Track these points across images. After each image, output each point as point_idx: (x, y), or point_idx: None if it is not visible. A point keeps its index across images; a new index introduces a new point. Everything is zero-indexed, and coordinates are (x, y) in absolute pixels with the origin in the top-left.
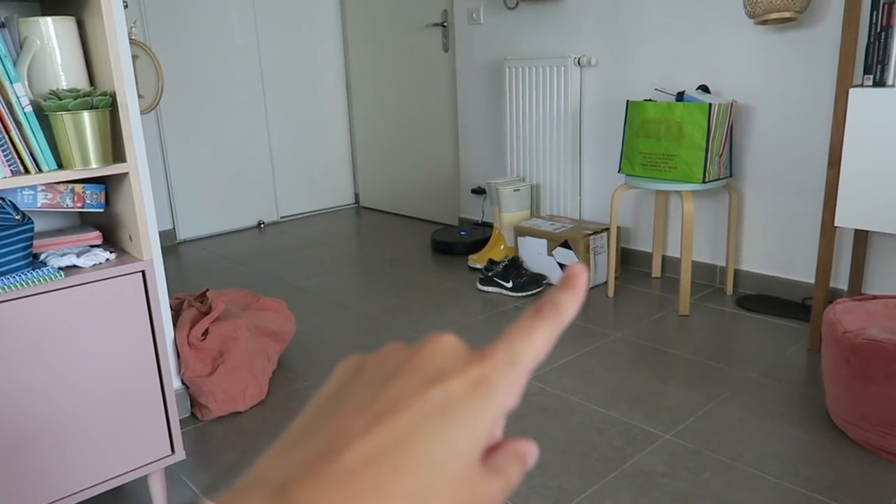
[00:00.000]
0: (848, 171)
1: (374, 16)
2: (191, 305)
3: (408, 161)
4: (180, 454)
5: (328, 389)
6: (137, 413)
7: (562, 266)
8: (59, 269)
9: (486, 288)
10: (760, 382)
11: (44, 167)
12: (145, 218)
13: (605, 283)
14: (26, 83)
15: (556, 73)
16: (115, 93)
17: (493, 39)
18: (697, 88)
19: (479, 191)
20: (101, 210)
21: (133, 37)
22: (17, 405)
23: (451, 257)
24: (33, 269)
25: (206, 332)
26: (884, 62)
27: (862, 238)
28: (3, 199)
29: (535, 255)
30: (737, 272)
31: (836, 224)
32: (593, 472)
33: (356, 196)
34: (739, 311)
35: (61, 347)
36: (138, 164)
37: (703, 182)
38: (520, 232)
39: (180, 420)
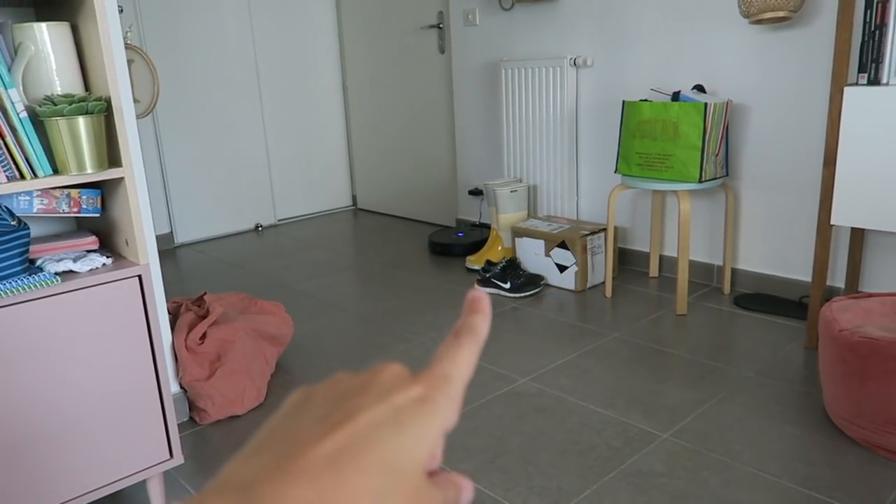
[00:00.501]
0: (843, 170)
1: (369, 18)
2: (188, 309)
3: (405, 163)
4: (178, 458)
5: (283, 411)
6: (135, 417)
7: (559, 267)
8: (56, 274)
9: (483, 289)
10: (758, 381)
11: (39, 173)
12: (141, 222)
13: (603, 283)
14: (21, 89)
15: (552, 73)
16: (110, 98)
17: (489, 41)
18: (693, 88)
19: (476, 192)
20: (98, 215)
21: (128, 41)
22: (14, 410)
23: (448, 259)
24: (30, 275)
25: (203, 336)
26: (878, 60)
27: (858, 236)
28: None
29: (532, 255)
30: (734, 271)
31: (832, 222)
32: (591, 473)
33: (353, 198)
34: (737, 309)
35: (58, 352)
36: (134, 168)
37: (700, 182)
38: (517, 233)
39: (178, 424)
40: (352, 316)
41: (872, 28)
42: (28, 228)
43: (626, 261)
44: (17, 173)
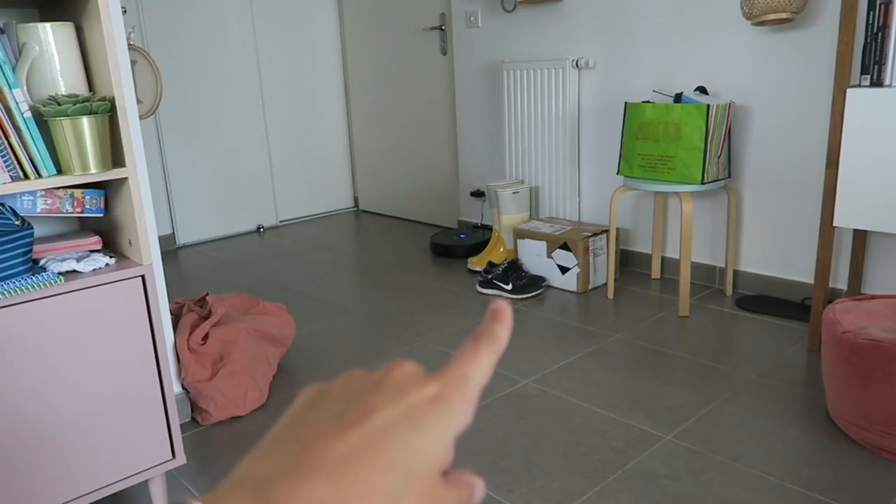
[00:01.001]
0: (846, 171)
1: (372, 20)
2: (191, 310)
3: (407, 164)
4: (181, 459)
5: (296, 408)
6: (138, 418)
7: (561, 268)
8: (59, 274)
9: (485, 290)
10: (760, 383)
11: (43, 173)
12: (145, 223)
13: (605, 284)
14: (25, 89)
15: (554, 75)
16: (114, 98)
17: (491, 42)
18: (695, 90)
19: (478, 193)
20: (101, 215)
21: (131, 42)
22: (17, 410)
23: (450, 260)
24: (33, 275)
25: (206, 337)
26: (881, 62)
27: (861, 238)
28: (2, 204)
29: (534, 257)
30: (736, 273)
31: (834, 224)
32: (594, 474)
33: (355, 200)
34: (739, 311)
35: (61, 353)
36: (137, 169)
37: (702, 183)
38: (519, 234)
39: (181, 425)
40: (353, 317)
41: (875, 30)
42: (32, 228)
43: (628, 262)
44: (21, 173)
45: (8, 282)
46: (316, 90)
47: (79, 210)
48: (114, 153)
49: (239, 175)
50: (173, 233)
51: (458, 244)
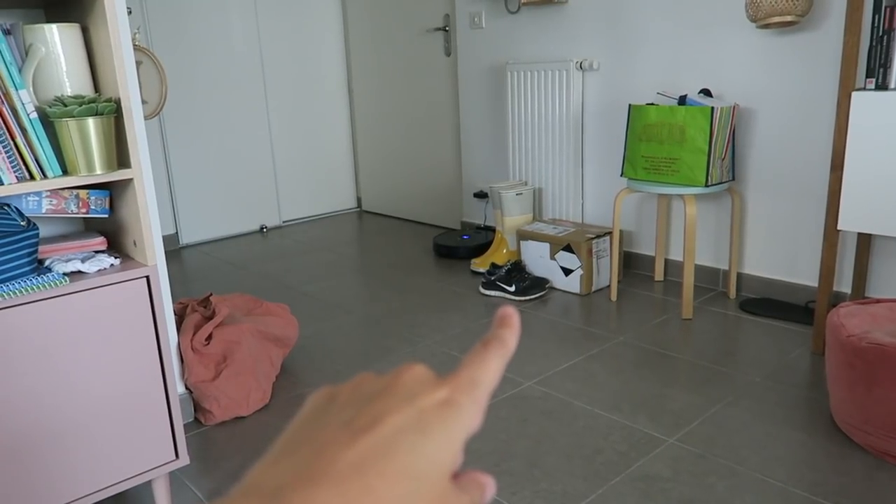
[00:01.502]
0: (850, 175)
1: (375, 20)
2: (194, 310)
3: (410, 165)
4: (184, 459)
5: (307, 412)
6: (141, 418)
7: (564, 270)
8: (64, 274)
9: (488, 292)
10: (764, 386)
11: (49, 173)
12: (149, 223)
13: (608, 286)
14: (31, 90)
15: (558, 76)
16: (119, 99)
17: (495, 43)
18: (699, 92)
19: (481, 194)
20: (106, 216)
21: (137, 43)
22: (21, 410)
23: (453, 261)
24: (38, 275)
25: (209, 337)
26: (886, 65)
27: (865, 241)
28: (8, 205)
29: (537, 258)
30: (740, 275)
31: (838, 227)
32: (597, 477)
33: (358, 200)
34: (742, 314)
35: (66, 353)
36: (143, 169)
37: (706, 185)
38: (522, 236)
39: (184, 425)
40: (356, 318)
41: (880, 33)
42: (37, 229)
43: (632, 264)
44: (26, 174)
45: (13, 282)
46: (319, 91)
47: (84, 211)
48: (119, 154)
49: (242, 175)
50: (177, 233)
51: (461, 245)
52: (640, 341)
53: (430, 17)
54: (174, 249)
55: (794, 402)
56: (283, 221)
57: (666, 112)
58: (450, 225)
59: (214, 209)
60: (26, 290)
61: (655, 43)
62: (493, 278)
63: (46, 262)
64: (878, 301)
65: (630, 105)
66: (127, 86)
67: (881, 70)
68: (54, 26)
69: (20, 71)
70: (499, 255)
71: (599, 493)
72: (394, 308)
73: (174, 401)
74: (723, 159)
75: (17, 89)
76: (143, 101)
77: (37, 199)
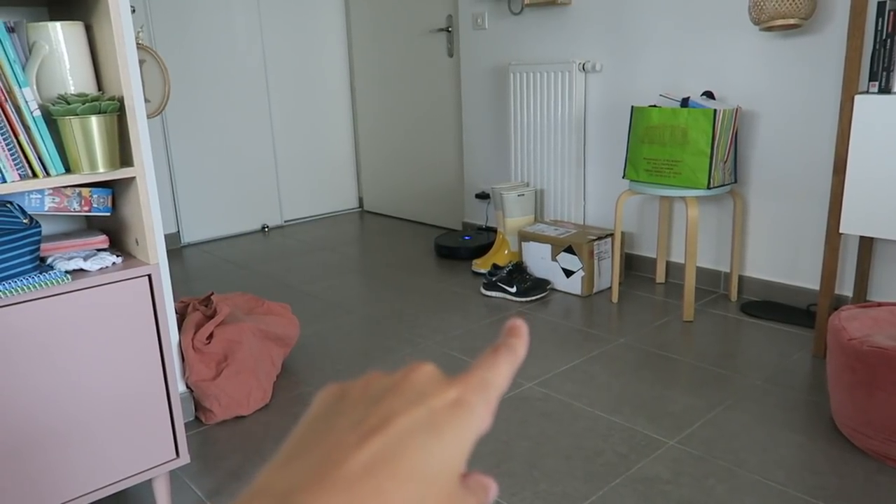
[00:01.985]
0: (853, 178)
1: (378, 20)
2: (195, 309)
3: (412, 165)
4: (185, 458)
5: (315, 412)
6: (142, 417)
7: (566, 272)
8: (66, 272)
9: (489, 293)
10: (765, 389)
11: (52, 171)
12: (152, 222)
13: (609, 288)
14: (35, 88)
15: (560, 78)
16: (122, 97)
17: (498, 44)
18: (702, 94)
19: (483, 195)
20: (108, 214)
21: (140, 41)
22: (23, 408)
23: (454, 262)
24: (40, 273)
25: (210, 336)
26: (889, 69)
27: (867, 245)
28: (10, 202)
29: (538, 260)
30: (741, 278)
31: (840, 231)
32: (597, 478)
33: (360, 200)
34: (744, 317)
35: (67, 351)
36: (145, 168)
37: (708, 188)
38: (524, 237)
39: (185, 424)
40: (357, 318)
41: (884, 36)
42: (39, 227)
43: (633, 266)
44: (29, 172)
45: (15, 280)
46: (322, 90)
47: (86, 209)
48: (122, 152)
49: (244, 174)
50: (178, 231)
51: (462, 246)
52: (641, 343)
53: (433, 17)
54: (176, 248)
55: (795, 405)
56: (285, 221)
57: (668, 114)
58: (451, 226)
59: (216, 208)
60: (28, 288)
61: (658, 45)
62: (494, 279)
63: (48, 260)
64: (879, 304)
65: (632, 107)
66: (130, 84)
67: (884, 73)
68: (58, 24)
69: (24, 69)
70: (500, 256)
71: (599, 494)
72: (395, 308)
73: (175, 399)
74: (725, 162)
75: (20, 87)
76: (146, 100)
77: (39, 196)
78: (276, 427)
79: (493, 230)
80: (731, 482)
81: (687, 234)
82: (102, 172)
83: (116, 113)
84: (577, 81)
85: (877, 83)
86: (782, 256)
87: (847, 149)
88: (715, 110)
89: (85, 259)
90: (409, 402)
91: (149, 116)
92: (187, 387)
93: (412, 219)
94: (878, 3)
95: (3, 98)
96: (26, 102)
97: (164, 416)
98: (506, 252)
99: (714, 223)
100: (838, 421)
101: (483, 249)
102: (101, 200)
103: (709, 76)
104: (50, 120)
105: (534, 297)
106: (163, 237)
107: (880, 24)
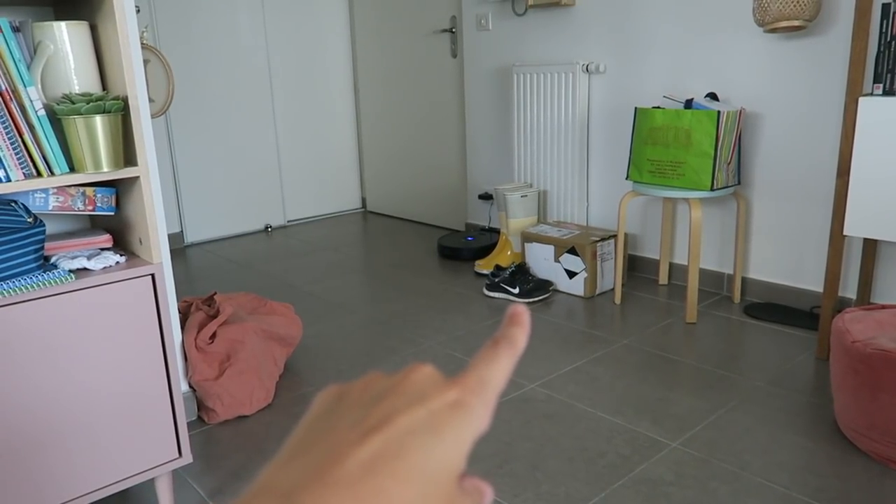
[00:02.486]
0: (857, 180)
1: (382, 21)
2: (198, 309)
3: (415, 166)
4: (187, 457)
5: (316, 411)
6: (145, 416)
7: (569, 273)
8: (70, 271)
9: (492, 294)
10: (768, 391)
11: (56, 170)
12: (155, 221)
13: (612, 289)
14: (40, 87)
15: (564, 79)
16: (127, 97)
17: (502, 46)
18: (706, 96)
19: (486, 196)
20: (112, 213)
21: (144, 41)
22: (26, 407)
23: (457, 263)
24: (44, 272)
25: (213, 336)
26: (894, 71)
27: (871, 247)
28: (15, 201)
29: (541, 261)
30: (744, 280)
31: (844, 233)
32: (600, 480)
33: (363, 201)
34: (747, 319)
35: (71, 350)
36: (149, 167)
37: (711, 189)
38: (526, 238)
39: (187, 423)
40: (360, 318)
41: (888, 38)
42: (43, 226)
43: (636, 268)
44: (33, 171)
45: (19, 279)
46: (326, 91)
47: (90, 208)
48: (126, 152)
49: (248, 174)
50: (182, 231)
51: (465, 247)
52: (644, 345)
53: (436, 18)
54: (179, 248)
55: (798, 407)
56: (288, 221)
57: (672, 116)
58: (454, 226)
59: (220, 208)
60: (32, 287)
61: (662, 46)
62: (497, 280)
63: (52, 259)
64: (883, 307)
65: (636, 108)
66: (134, 84)
67: (889, 76)
68: (63, 24)
69: (29, 68)
70: (503, 256)
71: (602, 496)
72: (397, 309)
73: (178, 399)
74: (728, 163)
75: (25, 86)
76: (150, 100)
77: (44, 195)
78: (278, 427)
79: (496, 231)
80: (733, 484)
81: (690, 235)
82: (106, 172)
83: (120, 112)
84: (580, 82)
85: (881, 85)
86: (786, 258)
87: (851, 151)
88: (718, 112)
89: (88, 258)
90: (409, 403)
91: (153, 116)
92: (190, 386)
93: (415, 219)
94: (883, 4)
95: (7, 97)
96: (31, 102)
97: (166, 416)
98: (508, 253)
99: (717, 225)
100: (842, 423)
101: (486, 250)
102: (105, 200)
103: (712, 77)
104: (54, 119)
105: (536, 299)
106: (166, 237)
107: (885, 25)
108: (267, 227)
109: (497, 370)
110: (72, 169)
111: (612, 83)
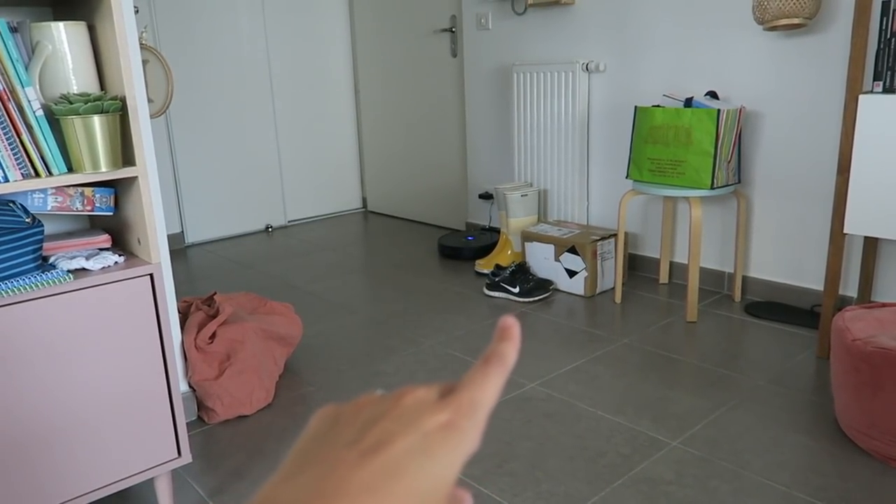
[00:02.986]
0: (857, 178)
1: (382, 21)
2: (198, 309)
3: (415, 166)
4: (187, 457)
5: (312, 431)
6: (144, 416)
7: (569, 272)
8: (69, 271)
9: (492, 293)
10: (769, 390)
11: (54, 171)
12: (154, 221)
13: (612, 288)
14: (38, 87)
15: (564, 78)
16: (125, 97)
17: (502, 45)
18: (706, 94)
19: (486, 196)
20: (111, 213)
21: (143, 41)
22: (25, 407)
23: (457, 262)
24: (43, 272)
25: (213, 336)
26: (894, 69)
27: (871, 245)
28: (13, 202)
29: (542, 260)
30: (745, 279)
31: (845, 231)
32: (600, 479)
33: (364, 200)
34: (747, 317)
35: (70, 350)
36: (148, 168)
37: (712, 188)
38: (527, 237)
39: (187, 423)
40: (360, 318)
41: (888, 36)
42: (42, 226)
43: (637, 267)
44: (32, 171)
45: (18, 279)
46: (326, 91)
47: (89, 208)
48: (124, 152)
49: (248, 174)
50: (182, 231)
51: (465, 246)
52: (645, 344)
53: (436, 17)
54: (179, 248)
55: (799, 406)
56: (289, 221)
57: (672, 114)
58: (454, 226)
59: (220, 208)
60: (31, 287)
61: (662, 45)
62: (497, 280)
63: (51, 259)
64: (883, 305)
65: (636, 107)
66: (132, 84)
67: (889, 73)
68: (61, 24)
69: (27, 68)
70: (503, 256)
71: (602, 495)
72: (398, 308)
73: (177, 399)
74: (729, 162)
75: (23, 87)
76: (149, 100)
77: (42, 196)
78: (278, 427)
79: (497, 230)
80: (734, 483)
81: (690, 234)
82: (105, 172)
83: (119, 113)
84: (580, 81)
85: (881, 83)
86: (786, 257)
87: (851, 149)
88: (718, 110)
89: (87, 258)
90: (404, 425)
91: (152, 116)
92: (190, 386)
93: (415, 219)
94: (883, 2)
95: (5, 97)
96: (29, 102)
97: (166, 416)
98: (509, 252)
99: (718, 223)
100: (842, 422)
101: (486, 250)
102: (104, 200)
103: (712, 76)
104: (53, 119)
105: (537, 298)
106: (165, 237)
107: (885, 23)
108: (267, 228)
109: (488, 390)
110: (70, 169)
111: (612, 82)
